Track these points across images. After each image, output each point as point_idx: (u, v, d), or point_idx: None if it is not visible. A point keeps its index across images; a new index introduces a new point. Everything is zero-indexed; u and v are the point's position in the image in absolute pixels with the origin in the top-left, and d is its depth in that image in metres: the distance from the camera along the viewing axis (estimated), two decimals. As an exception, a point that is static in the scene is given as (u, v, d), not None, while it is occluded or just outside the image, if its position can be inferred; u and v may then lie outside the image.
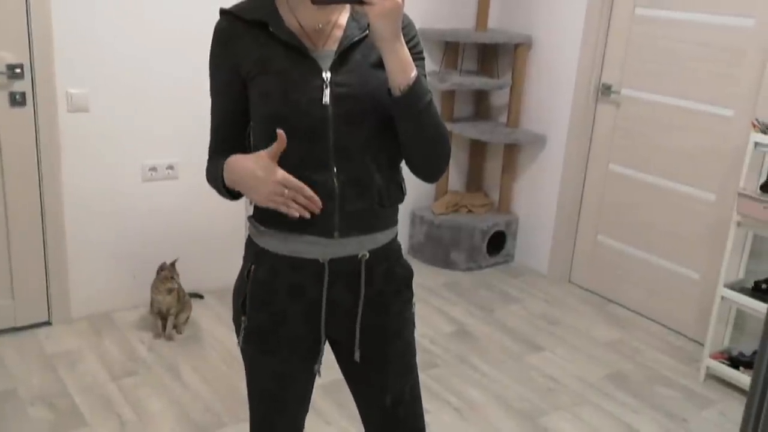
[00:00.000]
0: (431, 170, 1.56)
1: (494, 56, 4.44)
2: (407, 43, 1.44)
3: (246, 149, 1.56)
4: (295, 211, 1.42)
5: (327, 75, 1.45)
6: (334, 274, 1.54)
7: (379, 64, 1.44)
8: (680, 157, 3.64)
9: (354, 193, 1.50)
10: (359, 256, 1.55)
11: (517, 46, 4.26)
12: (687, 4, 3.51)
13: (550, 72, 4.20)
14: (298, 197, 1.42)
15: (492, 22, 4.41)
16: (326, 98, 1.44)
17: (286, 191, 1.41)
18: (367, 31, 1.48)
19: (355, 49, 1.49)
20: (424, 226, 4.42)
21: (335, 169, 1.47)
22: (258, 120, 1.51)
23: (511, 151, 4.45)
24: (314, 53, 1.47)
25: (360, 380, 1.69)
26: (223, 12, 1.53)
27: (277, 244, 1.54)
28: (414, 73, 1.41)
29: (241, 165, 1.46)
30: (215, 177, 1.55)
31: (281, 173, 1.41)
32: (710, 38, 3.43)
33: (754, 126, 2.98)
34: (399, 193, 1.60)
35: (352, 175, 1.49)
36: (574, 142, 4.10)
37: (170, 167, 3.51)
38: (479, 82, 4.23)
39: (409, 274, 1.67)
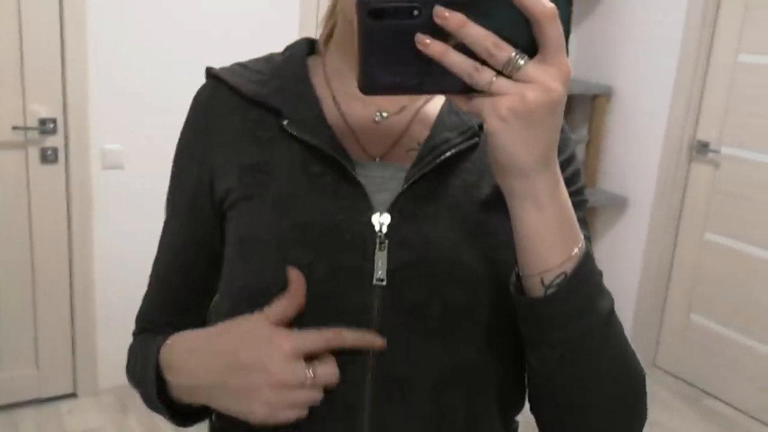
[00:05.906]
0: None
1: (569, 108, 4.11)
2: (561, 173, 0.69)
3: (203, 317, 0.92)
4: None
5: (383, 220, 0.77)
6: None
7: (499, 205, 0.72)
8: (791, 227, 3.20)
9: None
10: None
11: (594, 97, 3.91)
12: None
13: (633, 126, 3.83)
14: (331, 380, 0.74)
15: (568, 71, 4.09)
16: (379, 271, 0.75)
17: (310, 376, 0.71)
18: (478, 138, 0.81)
19: (452, 169, 0.80)
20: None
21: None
22: (225, 291, 0.84)
23: (588, 213, 4.06)
24: (362, 170, 0.80)
25: None
26: (210, 74, 0.89)
27: None
28: (579, 245, 0.69)
29: (212, 342, 0.78)
30: (141, 370, 0.90)
31: (307, 338, 0.73)
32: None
33: None
34: None
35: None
36: (662, 206, 3.68)
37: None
38: (554, 137, 3.90)
39: None
